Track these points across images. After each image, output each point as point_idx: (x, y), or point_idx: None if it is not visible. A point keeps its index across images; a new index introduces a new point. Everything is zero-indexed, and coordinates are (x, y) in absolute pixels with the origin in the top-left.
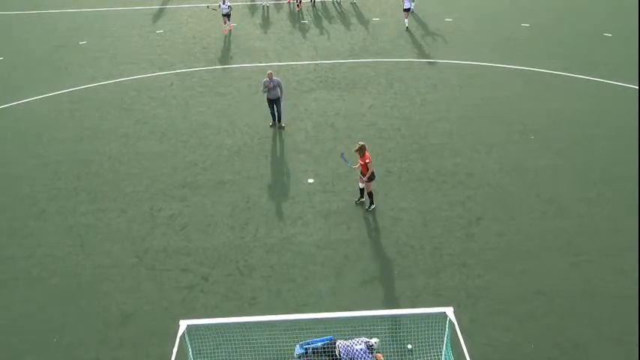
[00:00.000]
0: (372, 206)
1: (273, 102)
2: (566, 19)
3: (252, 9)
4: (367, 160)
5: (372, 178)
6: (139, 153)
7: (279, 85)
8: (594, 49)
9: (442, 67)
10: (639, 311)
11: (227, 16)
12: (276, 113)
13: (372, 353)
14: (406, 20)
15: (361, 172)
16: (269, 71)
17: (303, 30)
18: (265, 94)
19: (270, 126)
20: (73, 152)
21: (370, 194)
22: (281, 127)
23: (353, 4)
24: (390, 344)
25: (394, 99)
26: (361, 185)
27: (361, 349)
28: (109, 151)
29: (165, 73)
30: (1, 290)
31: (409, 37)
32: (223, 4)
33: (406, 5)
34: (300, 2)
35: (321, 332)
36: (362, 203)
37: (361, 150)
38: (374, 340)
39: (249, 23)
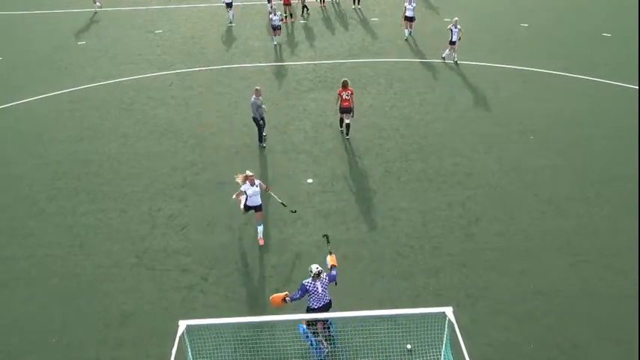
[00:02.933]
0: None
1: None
2: (566, 19)
3: (252, 8)
4: (345, 95)
5: (348, 111)
6: (139, 153)
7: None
8: (594, 49)
9: (441, 66)
10: (639, 311)
11: (254, 208)
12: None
13: (313, 278)
14: (406, 30)
15: (345, 109)
16: (258, 87)
17: (303, 30)
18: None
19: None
20: (72, 152)
21: (349, 125)
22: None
23: (356, 9)
24: (389, 344)
25: (393, 99)
26: (347, 120)
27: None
28: (109, 151)
29: (165, 73)
30: (1, 290)
31: (408, 37)
32: (252, 185)
33: (409, 13)
34: (290, 16)
35: (320, 332)
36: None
37: (345, 84)
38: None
39: (248, 23)
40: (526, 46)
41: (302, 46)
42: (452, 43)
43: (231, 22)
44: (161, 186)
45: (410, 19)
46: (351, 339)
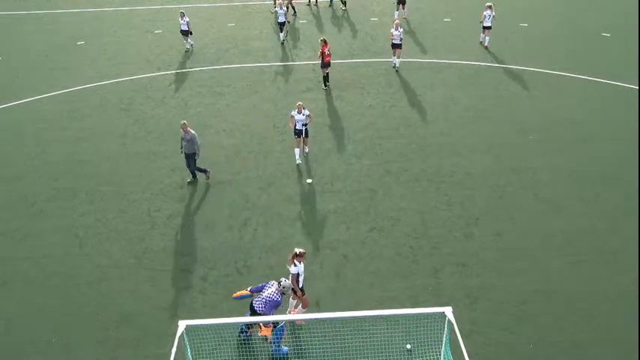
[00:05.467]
0: (328, 84)
1: (188, 156)
2: (565, 19)
3: (252, 8)
4: (327, 51)
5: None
6: (138, 153)
7: (193, 139)
8: (593, 49)
9: (441, 67)
10: (639, 310)
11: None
12: (190, 169)
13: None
14: (396, 59)
15: (325, 63)
16: (183, 121)
17: (302, 30)
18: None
19: (188, 182)
20: (71, 152)
21: (327, 76)
22: (191, 183)
23: (343, 10)
24: (389, 344)
25: (393, 99)
26: (327, 71)
27: (272, 292)
28: (108, 152)
29: (164, 73)
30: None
31: (408, 37)
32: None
33: (396, 40)
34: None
35: (320, 332)
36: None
37: (325, 41)
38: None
39: (247, 23)
40: (525, 46)
41: (301, 45)
42: (486, 28)
43: (187, 50)
44: (160, 186)
45: (397, 47)
46: (351, 339)
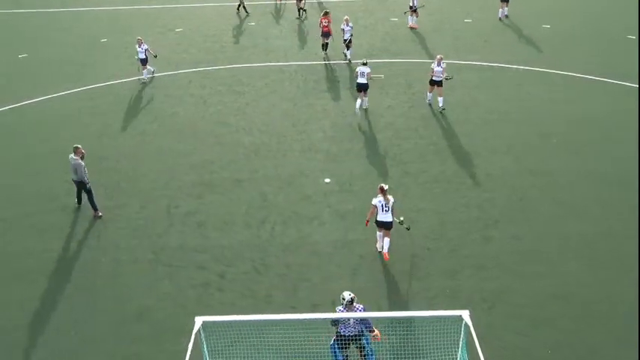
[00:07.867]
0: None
1: (78, 185)
2: (589, 20)
3: (272, 7)
4: (324, 22)
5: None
6: (157, 150)
7: (76, 167)
8: (616, 52)
9: (461, 67)
10: (639, 311)
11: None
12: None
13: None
14: (439, 99)
15: (324, 33)
16: (76, 145)
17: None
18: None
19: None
20: (92, 148)
21: (327, 44)
22: (97, 217)
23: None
24: (404, 346)
25: (412, 100)
26: (327, 40)
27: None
28: (128, 148)
29: (184, 71)
30: (19, 284)
31: (428, 37)
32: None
33: (437, 77)
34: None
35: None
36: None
37: (326, 13)
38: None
39: (268, 22)
40: (548, 48)
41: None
42: (504, 0)
43: (144, 82)
44: (178, 183)
45: (438, 84)
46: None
